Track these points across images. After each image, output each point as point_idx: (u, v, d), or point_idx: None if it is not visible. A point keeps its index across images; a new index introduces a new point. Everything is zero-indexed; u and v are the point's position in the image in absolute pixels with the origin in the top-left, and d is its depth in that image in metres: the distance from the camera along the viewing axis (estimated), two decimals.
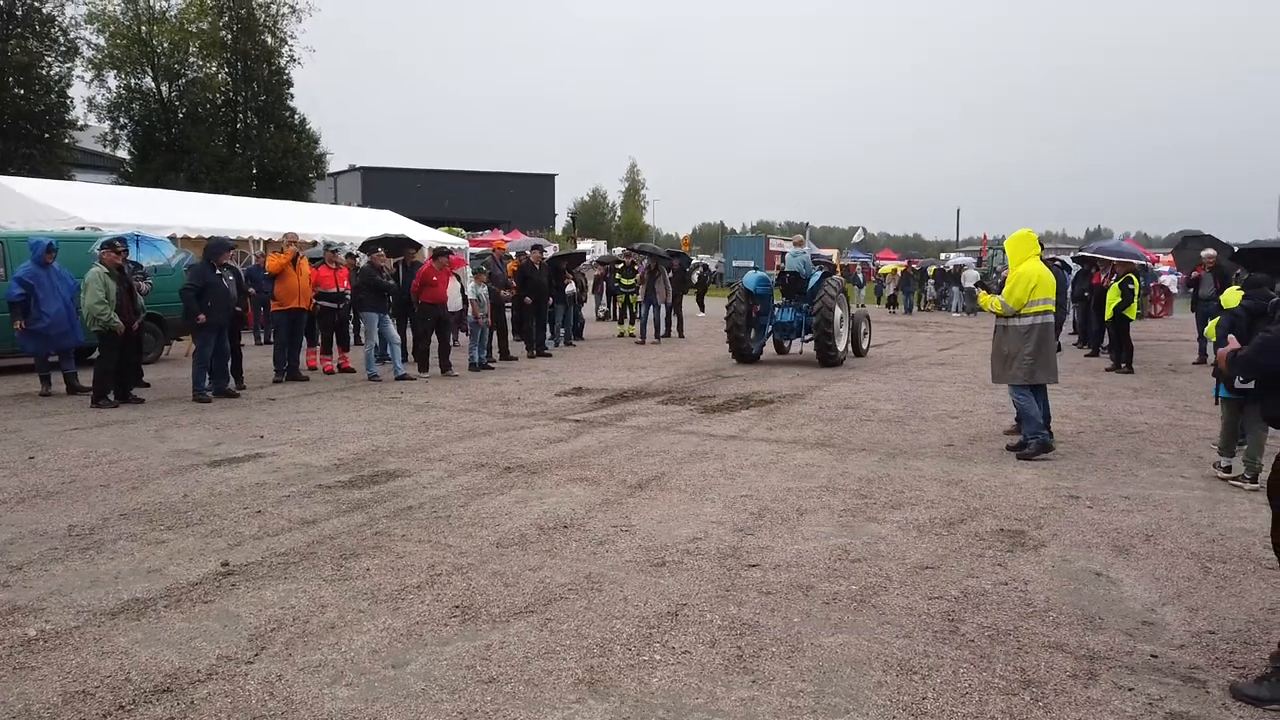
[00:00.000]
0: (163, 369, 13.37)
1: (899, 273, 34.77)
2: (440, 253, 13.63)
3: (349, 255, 14.24)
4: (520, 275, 15.55)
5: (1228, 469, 6.87)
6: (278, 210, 23.31)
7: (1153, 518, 5.82)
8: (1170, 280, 29.61)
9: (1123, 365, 13.86)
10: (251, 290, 12.13)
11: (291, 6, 40.87)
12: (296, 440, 8.30)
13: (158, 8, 38.58)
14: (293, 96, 41.79)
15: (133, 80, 38.45)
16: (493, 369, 13.87)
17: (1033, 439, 7.68)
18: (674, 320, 19.83)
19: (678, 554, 5.08)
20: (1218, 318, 7.39)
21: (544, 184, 79.69)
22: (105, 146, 39.19)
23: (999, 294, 7.80)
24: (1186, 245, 18.55)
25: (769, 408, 10.25)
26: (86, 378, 10.83)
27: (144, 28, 37.71)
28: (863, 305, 17.99)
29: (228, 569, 4.81)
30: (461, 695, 3.43)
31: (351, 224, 22.79)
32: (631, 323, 19.50)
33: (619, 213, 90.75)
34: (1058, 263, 15.83)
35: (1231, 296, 7.48)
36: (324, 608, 4.28)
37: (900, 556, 5.05)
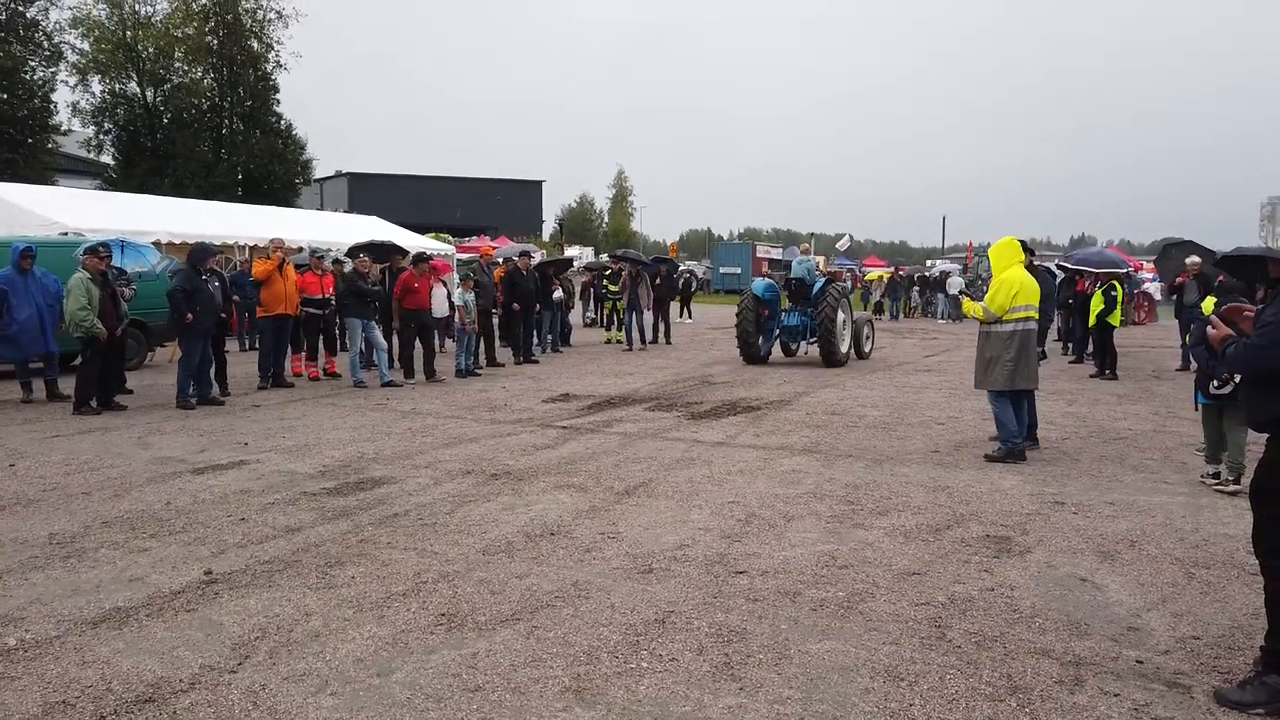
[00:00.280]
0: (146, 375, 13.27)
1: (885, 279, 34.93)
2: (419, 258, 13.60)
3: (335, 261, 14.18)
4: (508, 282, 15.52)
5: (1215, 475, 6.92)
6: (263, 216, 23.20)
7: (1137, 523, 5.85)
8: (1154, 287, 29.85)
9: (1106, 372, 13.95)
10: (236, 297, 12.07)
11: (278, 12, 40.83)
12: (281, 447, 8.25)
13: (143, 13, 38.43)
14: (279, 102, 41.69)
15: (117, 85, 38.24)
16: (479, 375, 13.83)
17: (1003, 445, 7.75)
18: (661, 326, 19.85)
19: (665, 561, 5.07)
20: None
21: (531, 190, 79.76)
22: (89, 152, 38.91)
23: (983, 301, 7.85)
24: (1168, 254, 18.70)
25: (756, 414, 10.26)
26: (67, 385, 10.74)
27: (129, 33, 37.53)
28: (883, 312, 18.65)
29: (211, 577, 4.77)
30: (447, 704, 3.41)
31: (338, 230, 22.70)
32: (619, 329, 19.50)
33: (606, 219, 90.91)
34: (1044, 269, 15.92)
35: (1210, 304, 7.55)
36: (308, 616, 4.25)
37: (887, 563, 5.06)
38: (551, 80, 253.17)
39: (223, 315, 11.29)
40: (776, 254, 59.79)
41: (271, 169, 39.86)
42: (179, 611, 4.30)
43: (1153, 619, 4.26)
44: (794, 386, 12.69)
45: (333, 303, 13.18)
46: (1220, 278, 11.12)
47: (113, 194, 26.26)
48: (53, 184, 30.56)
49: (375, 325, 12.98)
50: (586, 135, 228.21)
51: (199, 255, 10.92)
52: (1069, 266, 17.44)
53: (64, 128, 36.96)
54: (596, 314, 25.12)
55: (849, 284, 35.84)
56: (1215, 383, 6.61)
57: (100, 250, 10.43)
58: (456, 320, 13.98)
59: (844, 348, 15.21)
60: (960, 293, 21.12)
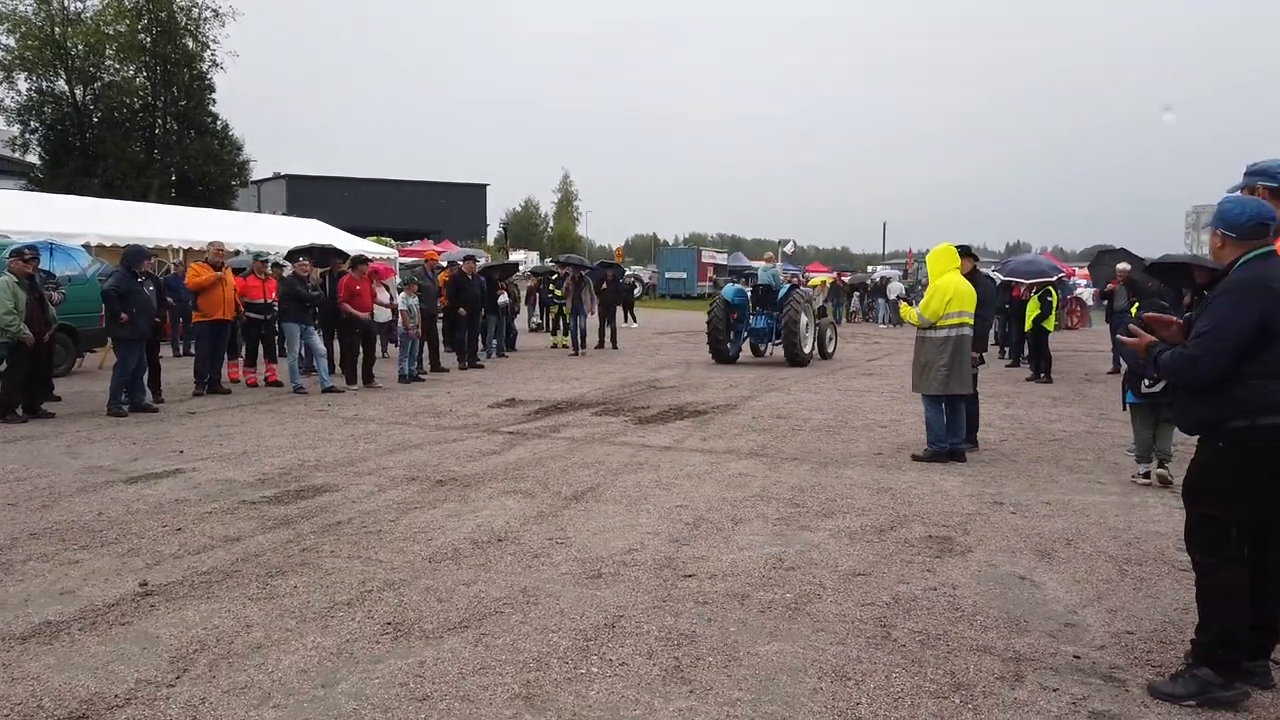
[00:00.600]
0: (75, 382, 12.83)
1: (828, 285, 35.39)
2: (358, 261, 13.41)
3: (274, 265, 13.90)
4: (453, 286, 15.38)
5: (1146, 475, 7.16)
6: (198, 218, 22.64)
7: (1072, 522, 6.01)
8: (1086, 293, 30.75)
9: (1042, 375, 14.32)
10: (170, 300, 11.75)
11: (215, 10, 39.93)
12: (218, 455, 8.05)
13: (72, 9, 37.32)
14: (215, 102, 40.80)
15: (44, 83, 37.05)
16: (423, 381, 13.67)
17: (929, 446, 7.95)
18: (607, 331, 19.85)
19: (614, 565, 5.06)
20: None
21: (475, 194, 79.12)
22: (14, 151, 37.62)
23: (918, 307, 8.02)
24: (1101, 260, 19.31)
25: (703, 418, 10.31)
26: None
27: (57, 29, 36.38)
28: (827, 315, 19.46)
29: (146, 589, 4.63)
30: (394, 714, 3.35)
31: (277, 233, 22.26)
32: (565, 334, 19.45)
33: (552, 224, 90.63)
34: (986, 275, 16.34)
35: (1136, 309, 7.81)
36: (249, 627, 4.15)
37: (833, 564, 5.12)
38: (496, 83, 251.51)
39: (157, 320, 10.99)
40: (722, 259, 60.22)
41: (207, 170, 38.97)
42: (113, 625, 4.17)
43: (1089, 615, 4.38)
44: (740, 391, 12.79)
45: (275, 308, 12.91)
46: (1151, 282, 11.49)
47: (39, 195, 25.41)
48: None
49: (314, 330, 12.74)
50: (531, 139, 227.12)
51: (134, 257, 10.62)
52: (1002, 276, 17.91)
53: None
54: (542, 319, 25.04)
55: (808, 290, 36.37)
56: (1146, 381, 6.83)
57: (26, 253, 10.05)
58: (400, 325, 13.80)
59: (807, 349, 16.25)
60: (898, 298, 21.63)
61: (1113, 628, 4.22)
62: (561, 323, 19.99)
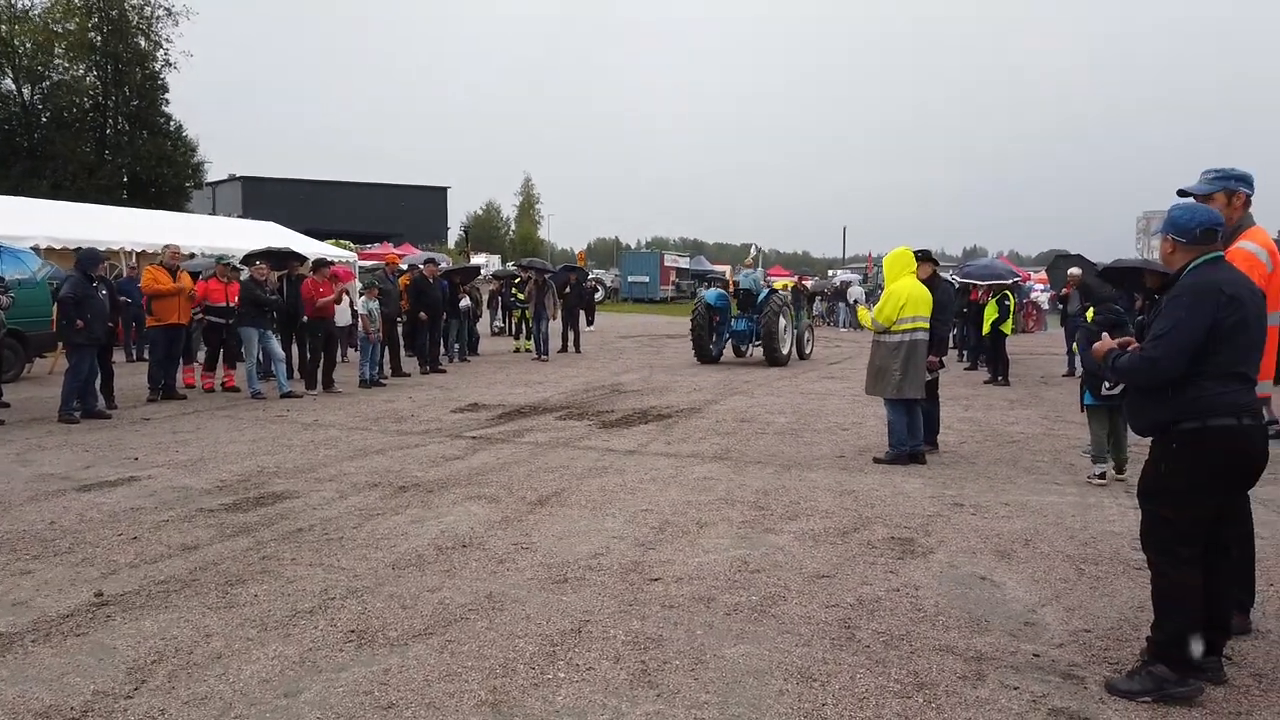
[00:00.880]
0: (24, 388, 12.52)
1: (789, 289, 35.62)
2: (320, 264, 13.25)
3: (232, 269, 13.67)
4: (414, 290, 15.25)
5: (1102, 475, 7.31)
6: (152, 220, 22.16)
7: (1031, 523, 6.11)
8: (1043, 297, 31.32)
9: (999, 378, 14.56)
10: (127, 299, 11.51)
11: (167, 9, 39.25)
12: (174, 462, 7.90)
13: (20, 6, 36.45)
14: (168, 102, 40.08)
15: None
16: (384, 386, 13.54)
17: (891, 449, 8.03)
18: (571, 335, 19.81)
19: (579, 570, 5.06)
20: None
21: (436, 196, 78.52)
22: None
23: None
24: (1059, 265, 19.68)
25: (667, 422, 10.33)
26: None
27: (3, 26, 35.50)
28: (805, 318, 20.12)
29: (102, 599, 4.53)
30: None
31: (232, 236, 21.88)
32: (528, 338, 19.38)
33: (513, 227, 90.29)
34: (945, 280, 16.60)
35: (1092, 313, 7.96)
36: (209, 637, 4.08)
37: (798, 566, 5.16)
38: (457, 85, 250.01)
39: (110, 324, 10.76)
40: (684, 263, 60.41)
41: (160, 171, 38.27)
42: (68, 636, 4.07)
43: (1047, 614, 4.46)
44: (704, 395, 12.84)
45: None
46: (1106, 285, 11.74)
47: None
48: None
49: (272, 335, 12.55)
50: (492, 142, 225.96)
51: (88, 261, 10.40)
52: (960, 279, 18.26)
53: None
54: (505, 323, 24.92)
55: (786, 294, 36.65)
56: (1106, 385, 6.98)
57: None
58: (360, 329, 13.66)
59: (785, 350, 17.14)
60: (856, 302, 21.95)
61: (1071, 626, 4.30)
62: (524, 327, 19.91)
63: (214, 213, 50.09)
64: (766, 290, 17.37)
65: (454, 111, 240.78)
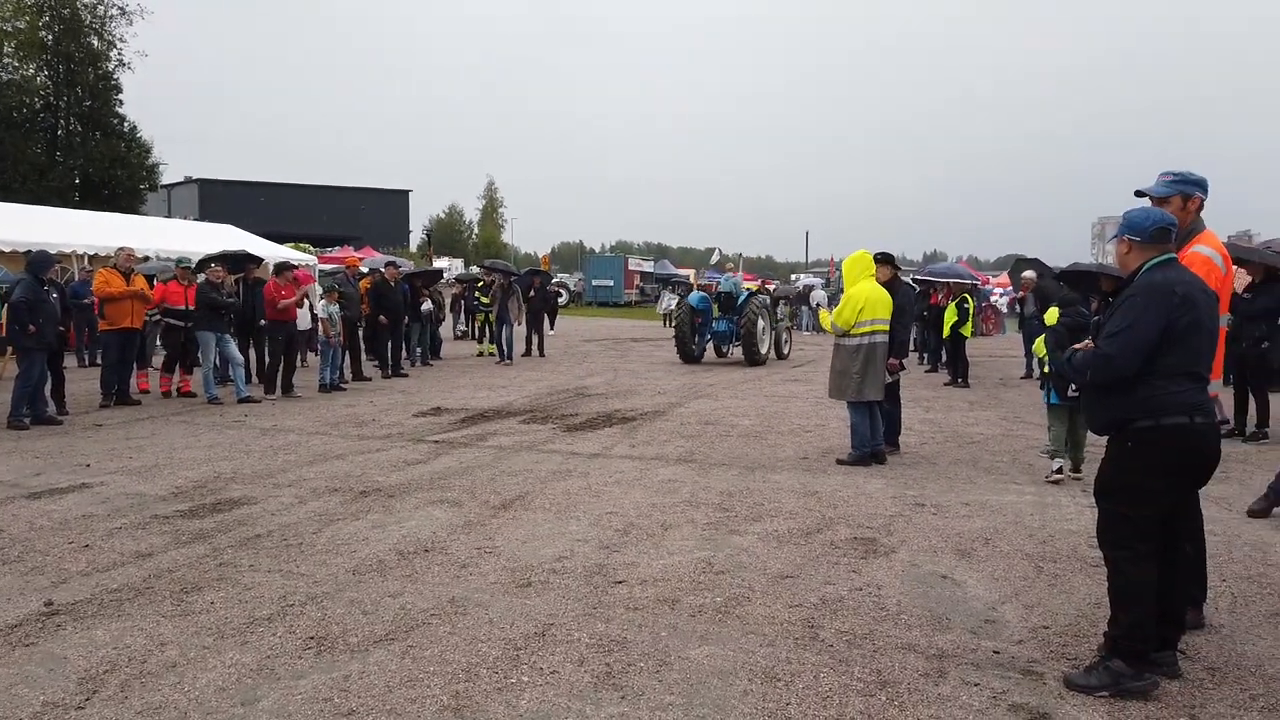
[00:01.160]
0: None
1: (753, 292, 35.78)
2: (282, 267, 13.08)
3: (192, 271, 13.42)
4: (374, 293, 15.10)
5: (1059, 470, 7.44)
6: (105, 223, 21.72)
7: (990, 522, 6.19)
8: (1002, 301, 31.82)
9: (959, 380, 14.74)
10: (85, 300, 11.25)
11: (121, 8, 38.54)
12: (128, 468, 7.73)
13: None
14: (122, 103, 39.32)
15: None
16: (345, 390, 13.38)
17: (854, 451, 8.10)
18: (535, 339, 19.74)
19: (543, 574, 5.02)
20: (1043, 335, 7.97)
21: (398, 200, 77.84)
22: None
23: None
24: (1018, 268, 20.03)
25: (631, 425, 10.32)
26: None
27: None
28: (784, 320, 20.80)
29: (52, 608, 4.42)
30: None
31: (188, 239, 21.50)
32: (491, 342, 19.28)
33: (476, 230, 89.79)
34: (905, 283, 16.82)
35: (1053, 315, 8.09)
36: (163, 646, 3.99)
37: (761, 567, 5.17)
38: (419, 88, 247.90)
39: (61, 329, 10.53)
40: (649, 267, 60.47)
41: (113, 173, 37.53)
42: (16, 646, 3.96)
43: (1007, 611, 4.51)
44: (668, 398, 12.85)
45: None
46: (1063, 287, 11.97)
47: None
48: None
49: (230, 339, 12.35)
50: (455, 145, 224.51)
51: (40, 264, 10.16)
52: (922, 279, 18.55)
53: None
54: (468, 326, 24.76)
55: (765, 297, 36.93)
56: (1073, 386, 7.09)
57: None
58: (321, 333, 13.48)
59: (764, 350, 18.19)
60: (819, 305, 22.22)
61: (1030, 623, 4.36)
62: (488, 330, 19.80)
63: (169, 216, 49.23)
64: (746, 293, 18.28)
65: (416, 114, 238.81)
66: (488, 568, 5.13)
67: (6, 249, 15.88)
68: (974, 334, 16.78)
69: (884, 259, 8.46)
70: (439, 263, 44.62)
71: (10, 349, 10.73)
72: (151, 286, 12.75)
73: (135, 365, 12.21)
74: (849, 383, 7.95)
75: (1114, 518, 3.70)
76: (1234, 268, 5.39)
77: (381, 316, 15.00)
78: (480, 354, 19.83)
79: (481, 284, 20.50)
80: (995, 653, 3.99)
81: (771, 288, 37.39)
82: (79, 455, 8.28)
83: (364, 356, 15.15)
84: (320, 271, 22.99)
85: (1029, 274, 16.35)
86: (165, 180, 49.02)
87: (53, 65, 37.48)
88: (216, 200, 60.65)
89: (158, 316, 12.41)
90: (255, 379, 13.15)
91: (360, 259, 23.42)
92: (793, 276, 54.01)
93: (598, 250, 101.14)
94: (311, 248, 35.49)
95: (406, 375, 15.53)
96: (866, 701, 3.52)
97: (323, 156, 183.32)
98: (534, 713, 3.41)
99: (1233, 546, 5.57)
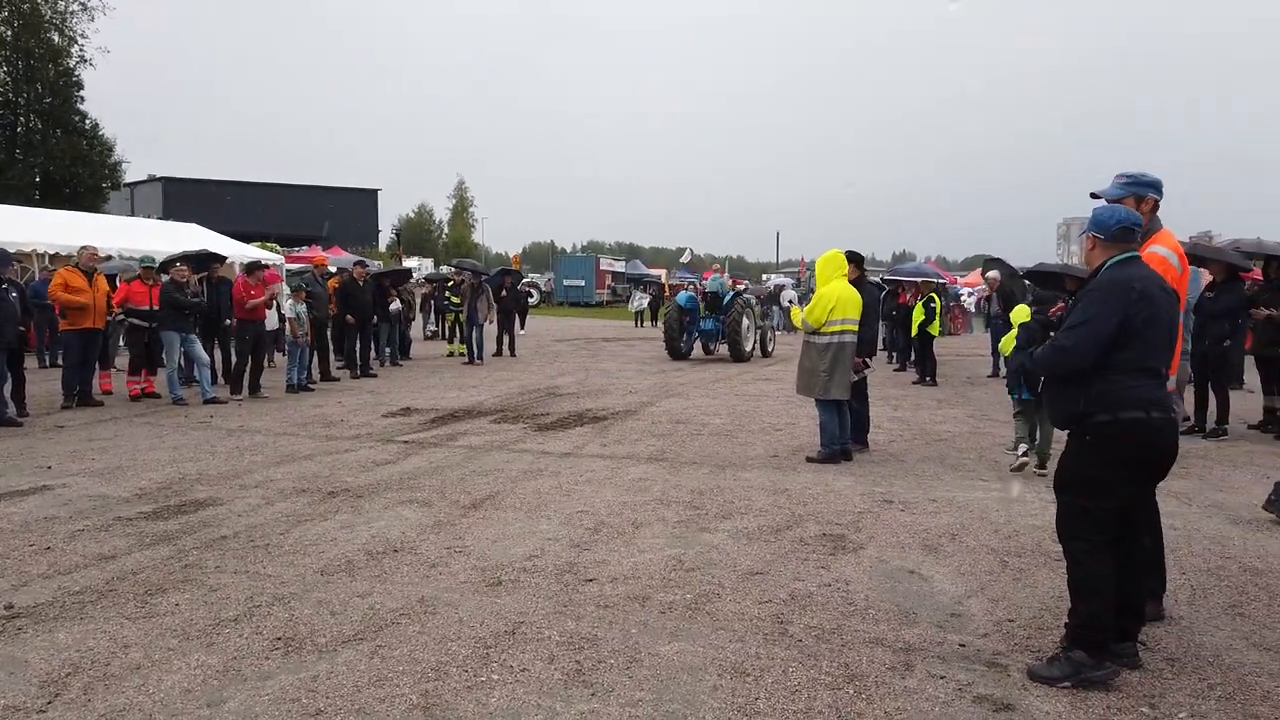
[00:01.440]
0: None
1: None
2: (253, 267, 12.94)
3: (156, 271, 13.23)
4: (342, 293, 14.98)
5: (1023, 454, 7.63)
6: (66, 222, 21.34)
7: (957, 518, 6.27)
8: (969, 300, 32.20)
9: (927, 379, 14.90)
10: (64, 292, 11.04)
11: (83, 4, 37.89)
12: (90, 470, 7.61)
13: None
14: (83, 100, 38.65)
15: None
16: (313, 391, 13.26)
17: (823, 448, 8.16)
18: (505, 339, 19.68)
19: (514, 572, 5.02)
20: (1011, 332, 8.09)
21: (366, 199, 77.12)
22: None
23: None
24: (988, 268, 20.32)
25: (602, 424, 10.32)
26: None
27: None
28: (769, 320, 21.41)
29: (12, 611, 4.34)
30: None
31: (152, 238, 21.19)
32: (461, 342, 19.19)
33: (446, 230, 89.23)
34: (872, 283, 16.98)
35: (1020, 313, 8.21)
36: (127, 648, 3.94)
37: (731, 564, 5.20)
38: (388, 87, 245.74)
39: (21, 329, 10.34)
40: (620, 267, 60.46)
41: (75, 171, 36.89)
42: None
43: (973, 605, 4.57)
44: (640, 397, 12.86)
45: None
46: (1030, 287, 12.14)
47: None
48: None
49: (195, 339, 12.19)
50: (425, 144, 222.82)
51: None
52: (888, 278, 18.82)
53: None
54: (438, 326, 24.62)
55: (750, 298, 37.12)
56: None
57: None
58: (288, 333, 13.35)
59: (748, 347, 19.12)
60: (791, 302, 22.47)
61: (995, 616, 4.42)
62: (458, 330, 19.71)
63: (133, 214, 48.46)
64: (732, 294, 19.19)
65: (385, 112, 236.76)
66: (458, 567, 5.11)
67: None
68: (942, 333, 16.97)
69: (851, 258, 8.53)
70: (408, 262, 44.28)
71: None
72: (114, 286, 12.58)
73: (98, 366, 12.02)
74: (816, 380, 8.02)
75: (1073, 510, 3.76)
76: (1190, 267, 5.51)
77: (349, 316, 14.89)
78: (450, 354, 19.74)
79: (452, 284, 20.41)
80: (961, 646, 4.05)
81: (742, 287, 37.62)
82: (40, 457, 8.14)
83: (332, 357, 15.03)
84: (287, 271, 22.75)
85: (993, 274, 16.56)
86: (128, 178, 48.27)
87: (11, 61, 36.75)
88: (181, 199, 59.68)
89: (121, 317, 12.23)
90: (221, 380, 12.99)
91: (327, 258, 23.21)
92: (764, 276, 54.26)
93: (569, 250, 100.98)
94: (279, 247, 35.09)
95: (375, 375, 15.42)
96: (835, 695, 3.56)
97: (306, 156, 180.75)
98: (504, 710, 3.41)
99: (1192, 540, 5.69)
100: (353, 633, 4.14)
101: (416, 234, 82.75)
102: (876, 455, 8.57)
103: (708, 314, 19.38)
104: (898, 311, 17.52)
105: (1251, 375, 11.21)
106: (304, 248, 43.32)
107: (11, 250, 13.22)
